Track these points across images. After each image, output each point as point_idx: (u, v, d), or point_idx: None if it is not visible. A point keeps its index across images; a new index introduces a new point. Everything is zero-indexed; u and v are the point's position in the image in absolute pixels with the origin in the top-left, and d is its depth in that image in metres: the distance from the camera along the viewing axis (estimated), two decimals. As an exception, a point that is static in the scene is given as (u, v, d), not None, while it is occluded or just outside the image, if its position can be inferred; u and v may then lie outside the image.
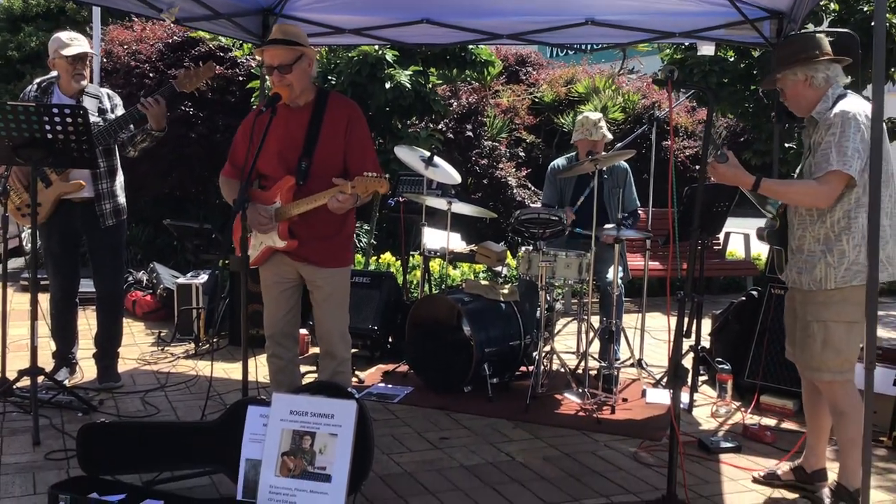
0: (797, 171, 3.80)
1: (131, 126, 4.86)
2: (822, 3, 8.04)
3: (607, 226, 5.36)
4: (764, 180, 3.49)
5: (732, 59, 9.04)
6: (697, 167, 11.05)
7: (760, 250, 8.96)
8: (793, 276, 3.66)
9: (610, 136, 5.82)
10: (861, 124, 3.37)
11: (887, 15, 8.04)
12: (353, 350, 4.19)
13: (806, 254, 3.57)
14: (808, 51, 3.55)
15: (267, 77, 4.27)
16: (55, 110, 4.11)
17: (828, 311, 3.50)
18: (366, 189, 3.61)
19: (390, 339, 6.19)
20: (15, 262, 9.54)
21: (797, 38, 3.69)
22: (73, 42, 4.87)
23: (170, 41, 9.81)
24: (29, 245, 7.65)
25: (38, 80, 5.02)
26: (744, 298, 5.62)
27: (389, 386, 5.41)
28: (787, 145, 8.31)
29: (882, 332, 7.62)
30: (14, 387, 4.62)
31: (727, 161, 3.51)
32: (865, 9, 8.10)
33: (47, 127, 4.11)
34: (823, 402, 3.71)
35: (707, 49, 6.89)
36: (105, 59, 9.47)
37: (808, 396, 3.86)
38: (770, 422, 4.90)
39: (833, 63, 3.57)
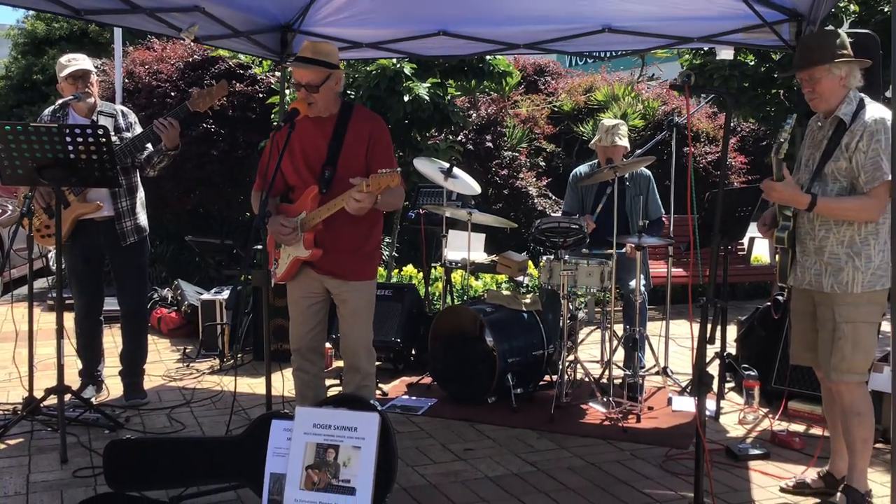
0: (801, 162, 3.78)
1: (148, 145, 4.91)
2: (841, 5, 7.98)
3: (629, 238, 5.32)
4: (819, 199, 3.50)
5: (752, 63, 8.97)
6: (719, 172, 10.97)
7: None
8: (808, 277, 3.64)
9: (625, 143, 5.78)
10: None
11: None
12: (377, 363, 4.19)
13: (827, 256, 3.56)
14: (848, 48, 3.55)
15: (292, 91, 4.30)
16: (77, 130, 4.16)
17: (858, 312, 3.51)
18: (379, 185, 3.60)
19: (413, 352, 6.19)
20: (40, 282, 9.66)
21: (836, 34, 3.63)
22: (69, 63, 4.96)
23: (190, 60, 9.90)
24: (54, 265, 7.74)
25: (59, 100, 5.09)
26: (769, 303, 5.57)
27: (413, 398, 5.41)
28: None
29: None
30: (41, 405, 4.66)
31: (784, 180, 3.52)
32: (886, 9, 8.02)
33: (70, 147, 4.17)
34: None
35: (726, 53, 6.83)
36: (127, 80, 9.57)
37: (828, 400, 3.82)
38: (798, 428, 4.84)
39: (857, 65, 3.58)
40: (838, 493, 3.71)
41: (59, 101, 5.06)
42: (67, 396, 4.48)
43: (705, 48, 8.34)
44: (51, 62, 18.53)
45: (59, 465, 4.13)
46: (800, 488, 3.90)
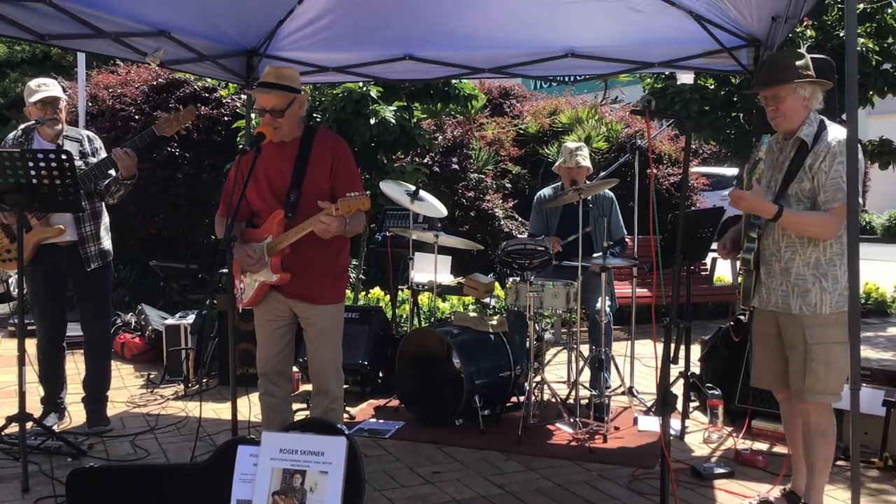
0: (762, 184, 3.82)
1: (111, 171, 4.88)
2: (798, 30, 8.17)
3: (595, 255, 5.38)
4: (786, 210, 3.53)
5: (713, 87, 9.14)
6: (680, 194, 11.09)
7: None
8: (775, 299, 3.68)
9: (588, 164, 5.87)
10: None
11: (863, 40, 8.19)
12: (344, 386, 4.18)
13: (794, 277, 3.60)
14: (811, 70, 3.61)
15: (256, 115, 4.31)
16: (40, 155, 4.13)
17: (827, 333, 3.54)
18: (349, 208, 3.63)
19: (381, 374, 6.18)
20: (1, 308, 9.50)
21: (800, 55, 3.68)
22: (40, 88, 4.92)
23: (154, 83, 9.85)
24: (15, 290, 7.62)
25: (22, 126, 5.05)
26: (731, 323, 5.64)
27: (381, 421, 5.39)
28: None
29: (871, 353, 7.65)
30: (2, 433, 4.58)
31: (752, 189, 3.56)
32: (842, 34, 8.23)
33: (32, 172, 4.13)
34: None
35: (686, 78, 6.97)
36: (90, 103, 9.49)
37: (788, 420, 3.87)
38: (762, 446, 4.90)
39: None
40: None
41: (22, 127, 5.02)
42: (29, 424, 4.41)
43: (666, 72, 8.50)
44: (12, 85, 18.37)
45: (20, 494, 4.05)
46: (763, 507, 3.95)
